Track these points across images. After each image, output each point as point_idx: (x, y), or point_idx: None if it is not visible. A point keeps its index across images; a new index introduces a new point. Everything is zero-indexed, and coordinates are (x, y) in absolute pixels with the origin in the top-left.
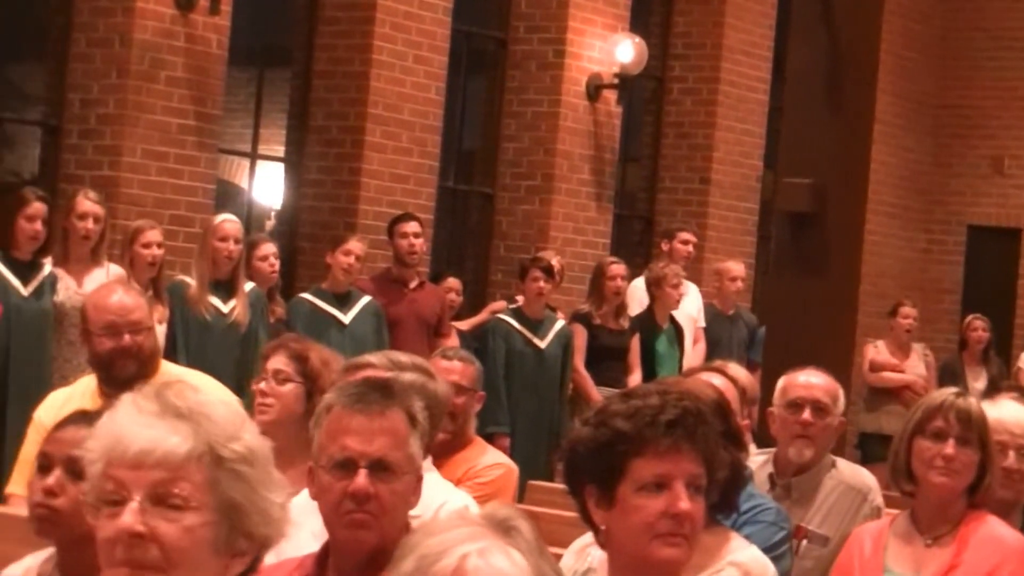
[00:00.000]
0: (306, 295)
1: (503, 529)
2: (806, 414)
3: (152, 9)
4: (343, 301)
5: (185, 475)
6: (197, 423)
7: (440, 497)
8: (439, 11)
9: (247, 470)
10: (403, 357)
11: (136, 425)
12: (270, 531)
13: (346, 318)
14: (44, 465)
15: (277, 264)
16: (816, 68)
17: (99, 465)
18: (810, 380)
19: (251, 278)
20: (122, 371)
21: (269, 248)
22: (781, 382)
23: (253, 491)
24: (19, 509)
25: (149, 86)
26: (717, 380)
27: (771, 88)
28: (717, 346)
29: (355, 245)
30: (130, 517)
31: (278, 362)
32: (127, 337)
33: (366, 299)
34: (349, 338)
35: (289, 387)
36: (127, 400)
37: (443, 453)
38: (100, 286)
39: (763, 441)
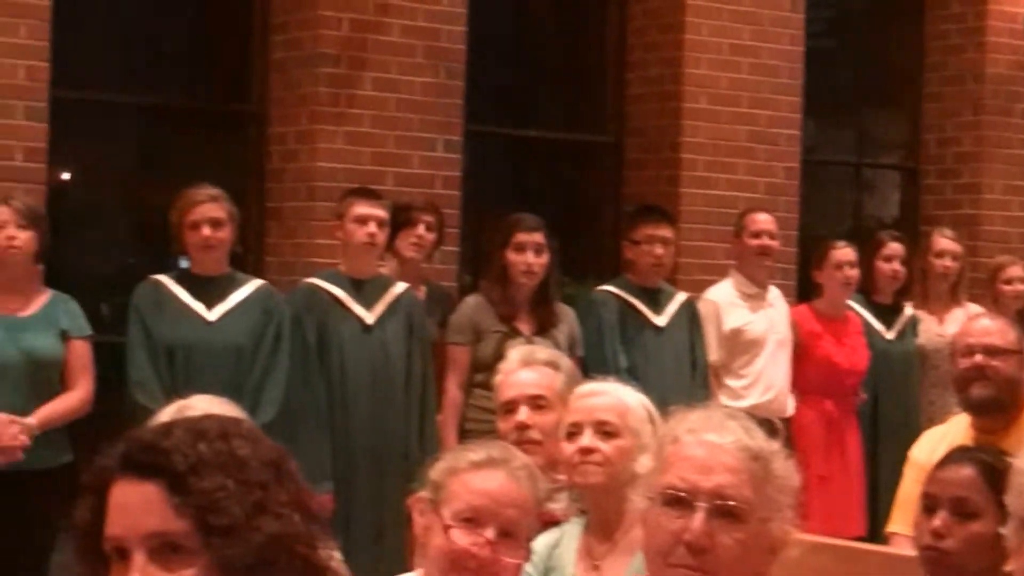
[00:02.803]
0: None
1: None
2: None
3: (1005, 43)
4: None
5: None
6: None
7: None
8: None
9: None
10: None
11: None
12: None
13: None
14: (929, 506)
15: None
16: None
17: None
18: None
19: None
20: (974, 394)
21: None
22: None
23: None
24: (904, 549)
25: (1005, 120)
26: None
27: None
28: None
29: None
30: None
31: None
32: (978, 358)
33: None
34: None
35: None
36: None
37: None
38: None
39: None
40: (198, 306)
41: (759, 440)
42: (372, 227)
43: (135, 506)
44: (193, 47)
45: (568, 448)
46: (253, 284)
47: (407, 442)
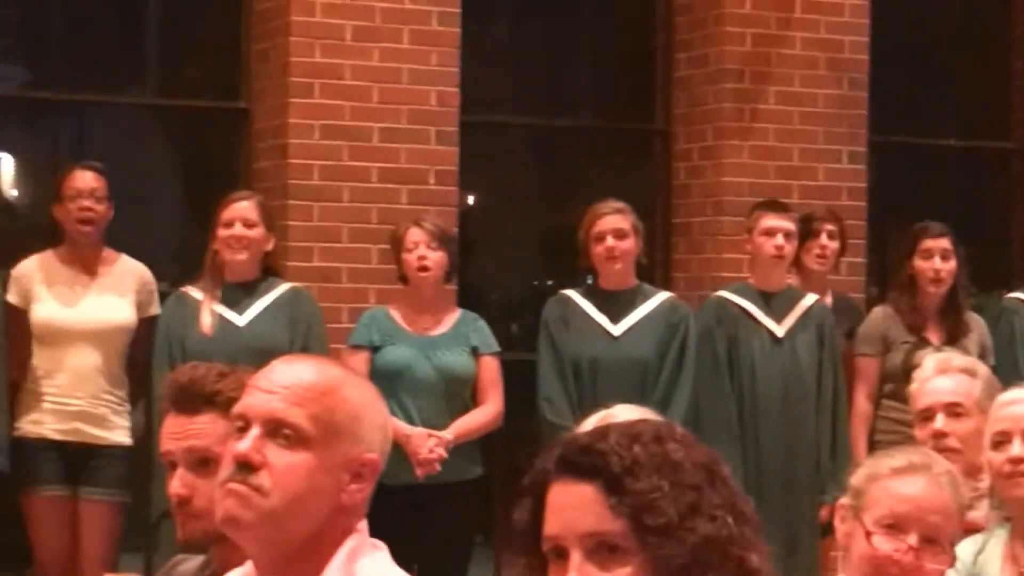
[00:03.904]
0: None
1: None
2: None
3: None
4: None
5: None
6: None
7: None
8: None
9: None
10: None
11: None
12: None
13: None
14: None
15: None
16: None
17: None
18: None
19: None
20: None
21: None
22: None
23: None
24: None
25: None
26: None
27: None
28: None
29: None
30: None
31: None
32: None
33: None
34: None
35: None
36: None
37: None
38: None
39: None
40: (604, 320)
41: None
42: (780, 239)
43: (572, 507)
44: (597, 68)
45: (996, 458)
46: (659, 297)
47: (818, 453)
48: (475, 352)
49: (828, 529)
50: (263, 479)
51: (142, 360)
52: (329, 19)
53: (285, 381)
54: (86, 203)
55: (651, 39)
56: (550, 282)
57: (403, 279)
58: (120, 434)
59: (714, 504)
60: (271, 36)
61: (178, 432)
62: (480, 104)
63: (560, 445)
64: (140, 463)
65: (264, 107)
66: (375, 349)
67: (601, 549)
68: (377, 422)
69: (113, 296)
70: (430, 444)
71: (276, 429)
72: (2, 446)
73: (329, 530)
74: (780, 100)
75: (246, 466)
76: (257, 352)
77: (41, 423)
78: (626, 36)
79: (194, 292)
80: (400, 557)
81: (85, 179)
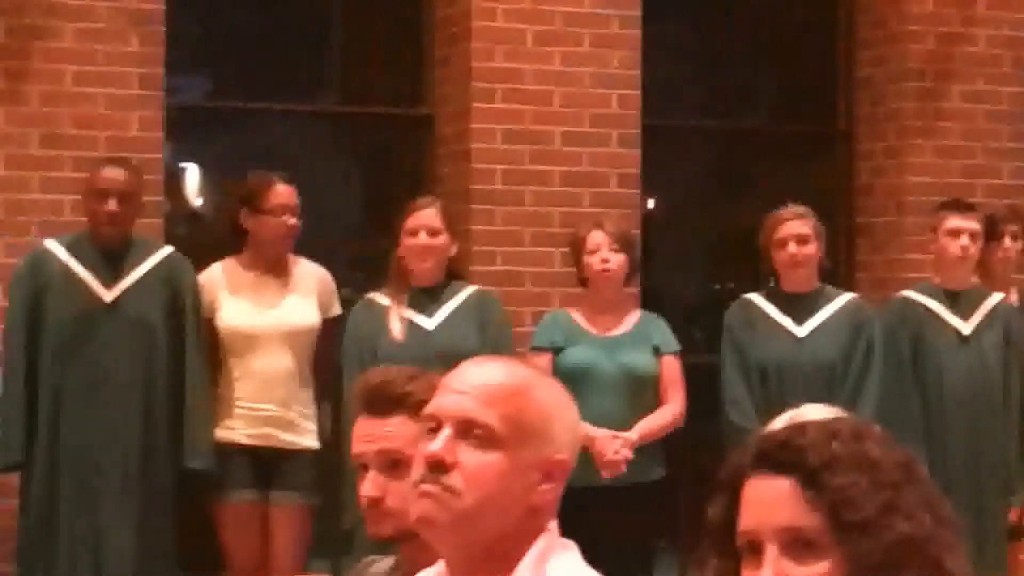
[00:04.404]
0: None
1: None
2: None
3: None
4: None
5: None
6: None
7: None
8: None
9: None
10: None
11: None
12: None
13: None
14: None
15: None
16: None
17: None
18: None
19: None
20: None
21: None
22: None
23: None
24: None
25: None
26: None
27: None
28: None
29: None
30: None
31: None
32: None
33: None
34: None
35: None
36: None
37: None
38: None
39: None
40: (788, 323)
41: None
42: (965, 240)
43: (768, 501)
44: (777, 70)
45: None
46: (843, 299)
47: (1005, 454)
48: (657, 352)
49: (1017, 531)
50: (455, 480)
51: (326, 361)
52: (510, 24)
53: (476, 381)
54: (292, 220)
55: (833, 39)
56: (731, 285)
57: (584, 282)
58: (308, 438)
59: (912, 503)
60: (453, 42)
61: (369, 434)
62: (661, 107)
63: (757, 440)
64: (328, 467)
65: (446, 113)
66: (557, 351)
67: (797, 544)
68: (567, 422)
69: (297, 299)
70: (615, 445)
71: (467, 429)
72: (207, 450)
73: (520, 530)
74: (964, 99)
75: (438, 467)
76: (447, 356)
77: (232, 428)
78: (807, 37)
79: (381, 298)
80: (584, 559)
81: (290, 194)
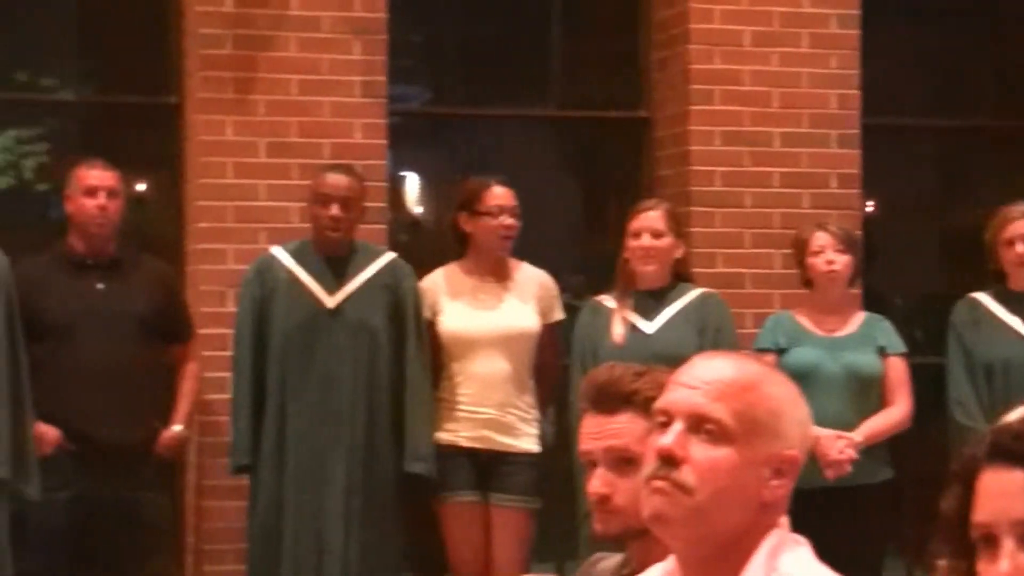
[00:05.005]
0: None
1: None
2: None
3: None
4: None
5: None
6: None
7: None
8: None
9: None
10: None
11: None
12: None
13: None
14: None
15: None
16: None
17: None
18: None
19: None
20: None
21: None
22: None
23: None
24: None
25: None
26: None
27: None
28: None
29: None
30: None
31: None
32: None
33: None
34: None
35: None
36: None
37: None
38: None
39: None
40: (1016, 323)
41: None
42: None
43: (1005, 493)
44: (999, 67)
45: None
46: None
47: None
48: (882, 352)
49: None
50: (687, 475)
51: (550, 366)
52: (728, 25)
53: (707, 377)
54: (509, 220)
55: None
56: (953, 285)
57: (807, 283)
58: (528, 442)
59: None
60: (670, 45)
61: (597, 432)
62: (881, 106)
63: (991, 432)
64: (552, 469)
65: (665, 115)
66: (781, 352)
67: None
68: (797, 418)
69: (517, 303)
70: (839, 445)
71: (698, 424)
72: (428, 455)
73: (752, 526)
74: None
75: (669, 461)
76: (666, 359)
77: (454, 431)
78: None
79: (607, 301)
80: None
81: (508, 196)
